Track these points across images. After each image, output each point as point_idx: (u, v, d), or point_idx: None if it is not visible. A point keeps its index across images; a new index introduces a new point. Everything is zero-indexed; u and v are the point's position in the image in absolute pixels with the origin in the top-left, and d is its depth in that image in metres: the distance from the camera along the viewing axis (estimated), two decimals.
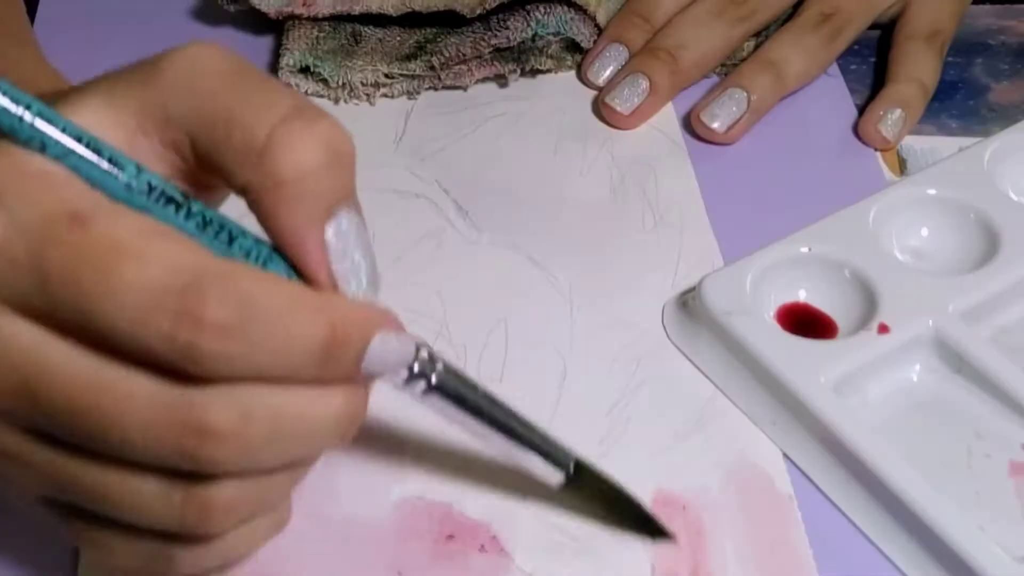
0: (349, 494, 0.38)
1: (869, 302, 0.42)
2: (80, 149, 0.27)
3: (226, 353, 0.26)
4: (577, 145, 0.51)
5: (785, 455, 0.39)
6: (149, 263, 0.26)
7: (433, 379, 0.31)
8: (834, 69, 0.55)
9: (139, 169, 0.28)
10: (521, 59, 0.53)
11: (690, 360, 0.42)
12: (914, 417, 0.40)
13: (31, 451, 0.29)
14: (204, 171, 0.29)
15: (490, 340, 0.43)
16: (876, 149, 0.51)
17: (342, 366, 0.29)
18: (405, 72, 0.53)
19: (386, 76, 0.53)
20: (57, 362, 0.27)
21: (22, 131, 0.27)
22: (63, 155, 0.27)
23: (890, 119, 0.51)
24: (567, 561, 0.36)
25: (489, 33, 0.52)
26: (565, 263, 0.46)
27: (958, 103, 0.54)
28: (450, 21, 0.53)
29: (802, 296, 0.43)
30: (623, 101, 0.51)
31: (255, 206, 0.29)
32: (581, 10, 0.54)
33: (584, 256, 0.46)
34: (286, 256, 0.29)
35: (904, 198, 0.46)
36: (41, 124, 0.27)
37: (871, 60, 0.55)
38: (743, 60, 0.53)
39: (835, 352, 0.40)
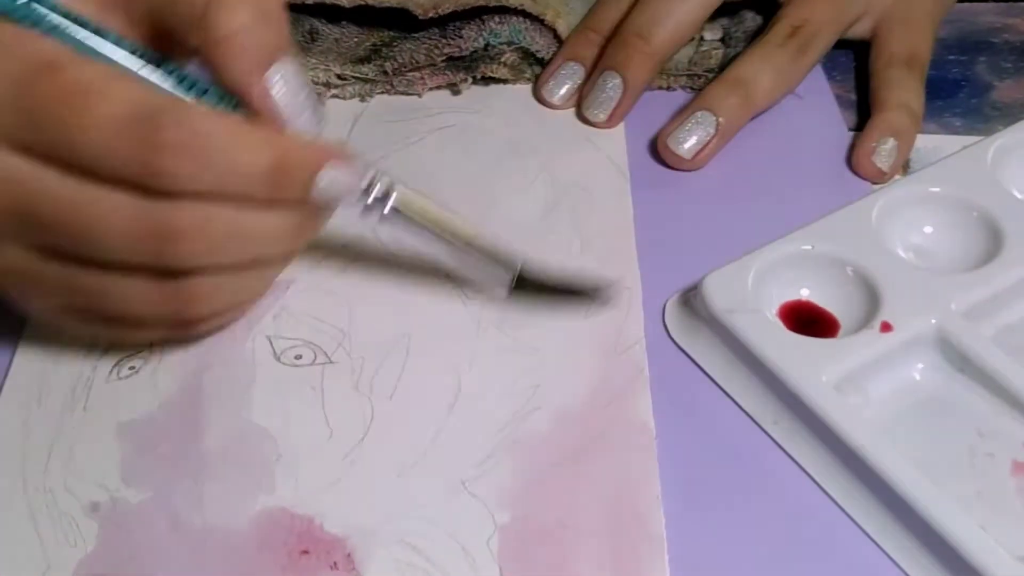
0: (214, 502, 0.38)
1: (872, 300, 0.42)
2: (66, 23, 0.34)
3: (181, 170, 0.33)
4: (519, 163, 0.50)
5: (790, 456, 0.39)
6: (113, 100, 0.32)
7: (390, 204, 0.38)
8: (828, 94, 0.54)
9: (120, 37, 0.35)
10: (471, 67, 0.52)
11: (691, 359, 0.42)
12: (916, 416, 0.40)
13: (39, 265, 0.35)
14: (166, 45, 0.36)
15: (389, 355, 0.42)
16: (873, 182, 0.49)
17: (290, 191, 0.35)
18: (358, 75, 0.52)
19: (338, 77, 0.52)
20: (46, 186, 0.33)
21: (16, 12, 0.33)
22: (51, 30, 0.33)
23: (884, 150, 0.49)
24: None
25: (444, 41, 0.52)
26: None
27: (961, 101, 0.53)
28: (407, 25, 0.53)
29: (804, 294, 0.43)
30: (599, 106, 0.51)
31: (207, 66, 0.35)
32: (538, 20, 0.53)
33: None
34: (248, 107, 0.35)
35: (907, 196, 0.46)
36: (34, 6, 0.33)
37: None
38: (708, 71, 0.53)
39: (837, 351, 0.40)
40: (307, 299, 0.44)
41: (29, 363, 0.42)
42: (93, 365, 0.42)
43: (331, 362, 0.42)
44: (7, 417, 0.41)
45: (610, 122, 0.51)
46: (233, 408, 0.41)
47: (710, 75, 0.53)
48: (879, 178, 0.49)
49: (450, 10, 0.52)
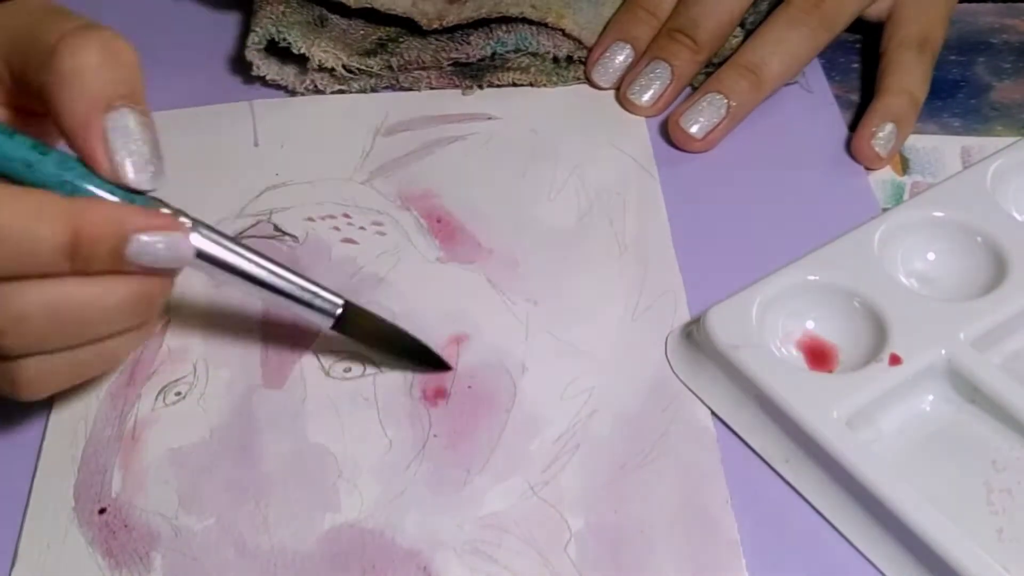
0: (280, 524, 0.38)
1: (879, 331, 0.42)
2: None
3: None
4: (547, 168, 0.50)
5: (802, 496, 0.39)
6: None
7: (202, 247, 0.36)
8: (824, 90, 0.54)
9: None
10: (478, 76, 0.53)
11: (696, 395, 0.41)
12: (930, 449, 0.40)
13: None
14: (22, 93, 0.35)
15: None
16: (868, 168, 0.50)
17: (98, 262, 0.33)
18: (363, 67, 0.52)
19: (344, 68, 0.52)
20: None
21: None
22: None
23: (881, 135, 0.50)
24: None
25: (451, 45, 0.52)
26: (524, 288, 0.45)
27: (960, 102, 0.54)
28: (414, 25, 0.53)
29: (810, 326, 0.43)
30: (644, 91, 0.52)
31: (48, 105, 0.33)
32: (543, 24, 0.53)
33: (545, 283, 0.46)
34: (76, 149, 0.34)
35: (908, 221, 0.46)
36: None
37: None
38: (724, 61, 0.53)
39: (847, 385, 0.40)
40: None
41: (68, 404, 0.42)
42: (137, 394, 0.42)
43: (381, 371, 0.42)
44: (54, 457, 0.40)
45: (655, 108, 0.52)
46: (287, 427, 0.41)
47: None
48: (877, 163, 0.50)
49: (454, 23, 0.52)
